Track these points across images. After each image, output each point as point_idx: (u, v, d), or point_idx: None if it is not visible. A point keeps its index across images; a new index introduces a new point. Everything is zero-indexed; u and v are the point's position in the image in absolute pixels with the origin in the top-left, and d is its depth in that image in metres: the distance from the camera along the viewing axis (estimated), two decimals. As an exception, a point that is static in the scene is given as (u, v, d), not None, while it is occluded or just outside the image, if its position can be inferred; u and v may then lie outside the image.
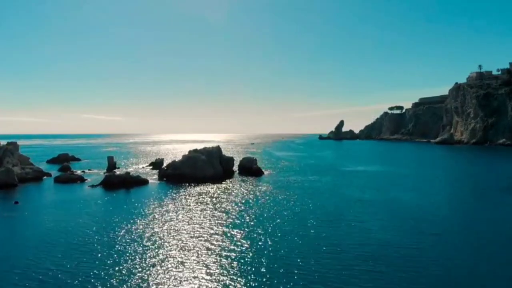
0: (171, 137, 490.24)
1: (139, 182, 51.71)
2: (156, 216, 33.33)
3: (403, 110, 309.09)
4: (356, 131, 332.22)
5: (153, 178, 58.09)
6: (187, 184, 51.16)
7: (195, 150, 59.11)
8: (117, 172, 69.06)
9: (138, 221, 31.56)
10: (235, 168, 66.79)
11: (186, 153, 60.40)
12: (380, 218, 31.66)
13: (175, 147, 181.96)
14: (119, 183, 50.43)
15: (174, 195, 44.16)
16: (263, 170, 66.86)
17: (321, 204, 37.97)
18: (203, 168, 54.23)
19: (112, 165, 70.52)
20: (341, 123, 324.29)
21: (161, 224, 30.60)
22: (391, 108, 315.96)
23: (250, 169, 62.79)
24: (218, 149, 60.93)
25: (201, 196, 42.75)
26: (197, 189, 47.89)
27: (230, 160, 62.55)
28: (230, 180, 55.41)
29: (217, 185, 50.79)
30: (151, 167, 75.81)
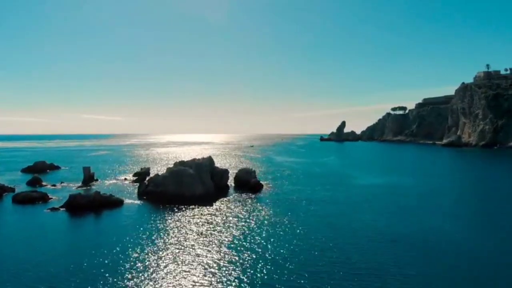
0: (170, 138, 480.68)
1: (111, 203, 42.35)
2: (123, 255, 24.16)
3: (406, 111, 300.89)
4: (357, 131, 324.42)
5: (132, 196, 48.62)
6: (170, 206, 41.82)
7: (182, 162, 49.67)
8: (95, 184, 59.94)
9: (97, 265, 22.41)
10: (231, 180, 57.33)
11: (179, 158, 51.53)
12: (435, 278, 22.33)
13: (171, 151, 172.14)
14: (87, 205, 41.12)
15: (152, 222, 34.86)
16: (262, 182, 57.60)
17: (337, 241, 28.65)
18: (190, 184, 44.78)
19: (88, 178, 61.11)
20: (343, 124, 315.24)
21: (127, 268, 21.39)
22: (394, 109, 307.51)
23: (247, 183, 53.37)
24: (209, 160, 51.28)
25: (184, 227, 33.42)
26: (181, 214, 38.56)
27: (224, 173, 52.70)
28: (223, 199, 45.90)
29: (207, 207, 41.37)
30: (135, 178, 66.48)
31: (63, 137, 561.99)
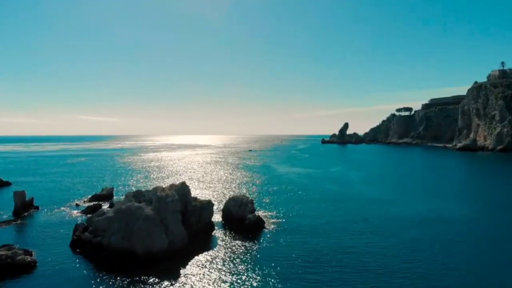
0: (167, 140, 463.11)
1: (15, 267, 25.47)
2: None
3: (412, 112, 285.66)
4: (359, 132, 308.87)
5: (62, 245, 31.52)
6: (109, 274, 25.06)
7: (137, 193, 32.72)
8: (29, 216, 42.97)
9: None
10: (217, 212, 40.39)
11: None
12: None
13: (159, 157, 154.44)
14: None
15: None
16: (262, 214, 40.99)
17: None
18: (146, 234, 27.62)
19: (21, 206, 44.05)
20: (346, 125, 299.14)
21: None
22: (399, 110, 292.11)
23: (241, 220, 36.41)
24: (182, 190, 33.27)
25: None
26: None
27: (204, 208, 34.51)
28: (199, 258, 28.43)
29: (169, 279, 24.52)
30: (91, 203, 49.54)
31: (56, 139, 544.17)
